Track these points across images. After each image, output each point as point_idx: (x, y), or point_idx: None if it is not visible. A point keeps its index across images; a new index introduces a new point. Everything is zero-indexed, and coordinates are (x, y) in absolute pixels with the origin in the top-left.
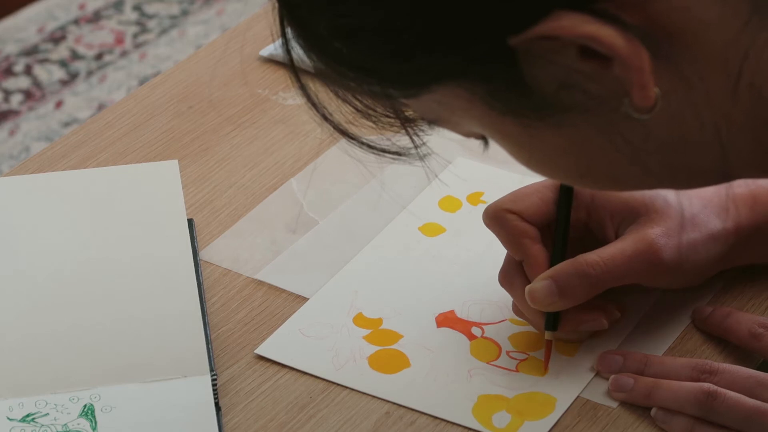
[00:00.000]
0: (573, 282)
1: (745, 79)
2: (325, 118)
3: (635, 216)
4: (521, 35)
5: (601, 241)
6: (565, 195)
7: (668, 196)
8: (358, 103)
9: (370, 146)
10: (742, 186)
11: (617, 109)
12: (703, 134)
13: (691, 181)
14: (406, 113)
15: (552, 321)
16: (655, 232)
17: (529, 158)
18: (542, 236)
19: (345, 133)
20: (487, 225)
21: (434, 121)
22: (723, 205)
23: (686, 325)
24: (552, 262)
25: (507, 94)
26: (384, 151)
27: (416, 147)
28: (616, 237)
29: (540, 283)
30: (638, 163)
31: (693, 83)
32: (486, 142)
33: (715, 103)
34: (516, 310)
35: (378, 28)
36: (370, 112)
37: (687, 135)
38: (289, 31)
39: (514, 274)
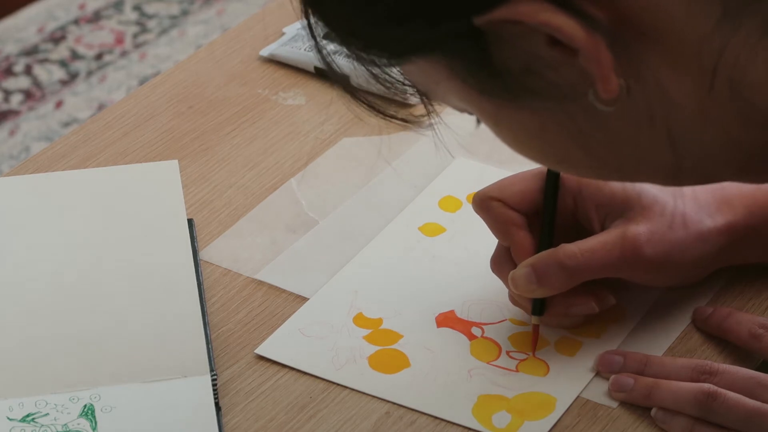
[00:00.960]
0: (551, 271)
1: (722, 76)
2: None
3: (621, 210)
4: (484, 16)
5: (588, 232)
6: (551, 183)
7: (658, 193)
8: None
9: (378, 110)
10: (741, 186)
11: (582, 99)
12: (656, 131)
13: (637, 175)
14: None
15: (538, 306)
16: (639, 229)
17: (509, 138)
18: (531, 224)
19: (354, 94)
20: (476, 211)
21: (424, 93)
22: (717, 204)
23: (686, 325)
24: (539, 249)
25: (479, 73)
26: (392, 116)
27: (429, 113)
28: (602, 229)
29: (520, 271)
30: (590, 153)
31: (661, 79)
32: (478, 120)
33: (683, 100)
34: (510, 297)
35: None
36: (386, 77)
37: (643, 129)
38: None
39: (503, 261)
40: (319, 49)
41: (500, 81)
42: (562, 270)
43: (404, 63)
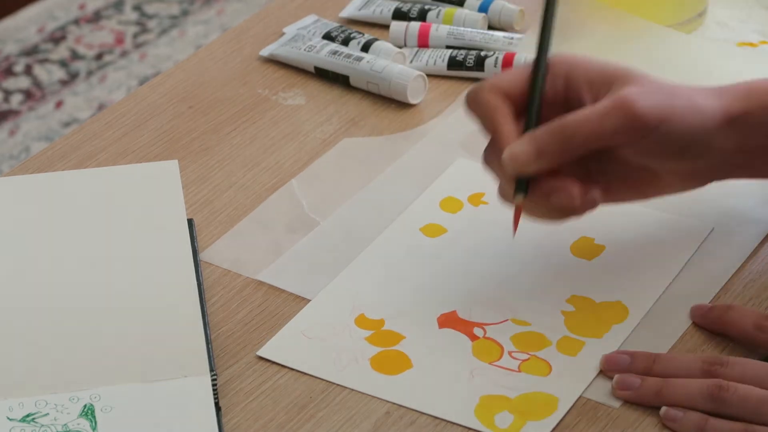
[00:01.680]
0: (549, 141)
1: None
2: None
3: (612, 83)
4: None
5: None
6: (538, 64)
7: (647, 72)
8: None
9: None
10: (737, 84)
11: None
12: None
13: None
14: None
15: (524, 185)
16: (631, 90)
17: None
18: (521, 116)
19: None
20: (467, 105)
21: None
22: (712, 91)
23: (689, 325)
24: (526, 130)
25: None
26: None
27: None
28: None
29: (518, 145)
30: None
31: None
32: None
33: None
34: (499, 190)
35: None
36: None
37: None
38: None
39: (493, 153)
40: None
41: None
42: (559, 137)
43: None
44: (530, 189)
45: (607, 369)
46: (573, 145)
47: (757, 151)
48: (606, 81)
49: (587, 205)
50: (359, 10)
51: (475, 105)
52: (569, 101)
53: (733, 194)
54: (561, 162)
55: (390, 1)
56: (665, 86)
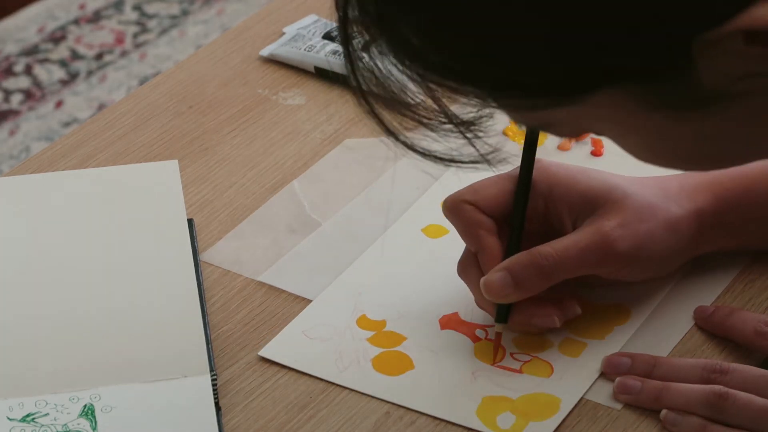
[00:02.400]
0: (528, 273)
1: None
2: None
3: (592, 208)
4: (714, 31)
5: (559, 234)
6: (522, 187)
7: (627, 186)
8: (418, 116)
9: (440, 158)
10: (706, 173)
11: None
12: None
13: None
14: (464, 118)
15: (504, 314)
16: (610, 224)
17: (661, 151)
18: (501, 228)
19: (413, 148)
20: (446, 215)
21: (540, 126)
22: (684, 192)
23: (690, 326)
24: (507, 254)
25: (672, 89)
26: (457, 161)
27: (482, 154)
28: (574, 229)
29: (495, 275)
30: (754, 145)
31: None
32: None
33: None
34: (476, 301)
35: (548, 35)
36: (429, 121)
37: None
38: (358, 42)
39: (470, 265)
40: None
41: (696, 91)
42: (538, 271)
43: (587, 99)
44: (511, 316)
45: (608, 371)
46: (552, 278)
47: (724, 246)
48: (586, 206)
49: (569, 317)
50: None
51: (455, 217)
52: (549, 218)
53: None
54: (539, 292)
55: None
56: (644, 207)
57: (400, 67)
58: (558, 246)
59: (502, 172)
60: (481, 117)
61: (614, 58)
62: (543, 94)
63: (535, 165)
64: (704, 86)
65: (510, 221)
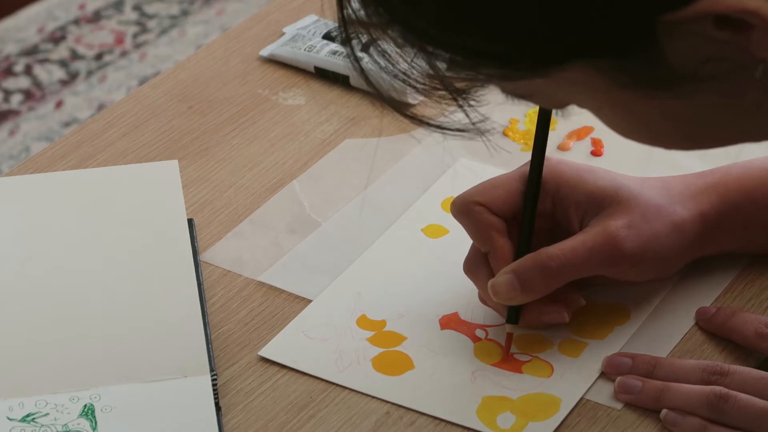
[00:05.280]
0: (534, 276)
1: None
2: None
3: (599, 208)
4: (678, 12)
5: (567, 232)
6: (531, 187)
7: (633, 186)
8: (411, 80)
9: (434, 125)
10: (711, 174)
11: (749, 75)
12: None
13: (756, 137)
14: (457, 85)
15: (514, 315)
16: (617, 224)
17: (635, 127)
18: (509, 228)
19: (407, 115)
20: (455, 216)
21: (523, 96)
22: (688, 194)
23: (690, 326)
24: (517, 255)
25: (639, 68)
26: (446, 128)
27: (473, 122)
28: (581, 228)
29: (502, 278)
30: (732, 126)
31: None
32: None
33: None
34: (481, 298)
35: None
36: (421, 86)
37: None
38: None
39: (478, 265)
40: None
41: (665, 71)
42: (545, 273)
43: (552, 73)
44: (522, 315)
45: (609, 371)
46: (558, 280)
47: (726, 248)
48: (593, 205)
49: (574, 309)
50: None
51: (466, 219)
52: (557, 216)
53: None
54: (546, 294)
55: None
56: (649, 208)
57: (390, 32)
58: (565, 247)
59: (509, 172)
60: (473, 87)
61: (579, 33)
62: (513, 65)
63: (544, 163)
64: (671, 67)
65: (520, 221)
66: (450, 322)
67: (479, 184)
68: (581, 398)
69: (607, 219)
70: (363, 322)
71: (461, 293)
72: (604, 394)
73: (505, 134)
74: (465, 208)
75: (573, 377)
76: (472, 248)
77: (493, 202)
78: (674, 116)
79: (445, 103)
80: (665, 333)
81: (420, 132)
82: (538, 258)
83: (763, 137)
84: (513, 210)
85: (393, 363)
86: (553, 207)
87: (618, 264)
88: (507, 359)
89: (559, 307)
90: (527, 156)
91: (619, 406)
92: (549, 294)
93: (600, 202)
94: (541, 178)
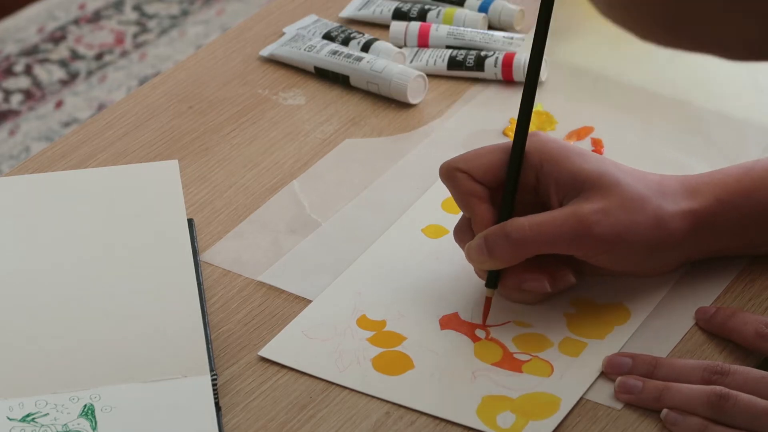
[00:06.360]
0: (500, 243)
1: None
2: None
3: (580, 189)
4: None
5: (548, 208)
6: (515, 157)
7: (620, 176)
8: None
9: None
10: (710, 175)
11: None
12: None
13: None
14: None
15: (493, 279)
16: (591, 207)
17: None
18: (495, 197)
19: None
20: (442, 180)
21: None
22: (682, 191)
23: (690, 326)
24: (499, 221)
25: None
26: None
27: None
28: (559, 206)
29: (474, 241)
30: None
31: None
32: None
33: None
34: (476, 271)
35: None
36: None
37: None
38: None
39: (464, 230)
40: None
41: None
42: (508, 242)
43: None
44: (502, 279)
45: (609, 372)
46: (523, 251)
47: (723, 249)
48: (574, 186)
49: (562, 286)
50: (359, 10)
51: (450, 184)
52: (539, 191)
53: None
54: (515, 263)
55: (390, 1)
56: (633, 199)
57: None
58: (534, 221)
59: (496, 143)
60: None
61: None
62: None
63: (532, 138)
64: None
65: (503, 191)
66: (450, 322)
67: (465, 153)
68: (581, 398)
69: (582, 201)
70: (363, 322)
71: (461, 293)
72: (604, 393)
73: (505, 134)
74: (448, 173)
75: (573, 377)
76: (462, 216)
77: (475, 169)
78: None
79: None
80: (665, 333)
81: (420, 132)
82: (504, 227)
83: (734, 52)
84: (496, 179)
85: (393, 363)
86: (536, 181)
87: (587, 246)
88: (507, 358)
89: (541, 275)
90: None
91: (619, 406)
92: (536, 263)
93: (581, 184)
94: (524, 148)
